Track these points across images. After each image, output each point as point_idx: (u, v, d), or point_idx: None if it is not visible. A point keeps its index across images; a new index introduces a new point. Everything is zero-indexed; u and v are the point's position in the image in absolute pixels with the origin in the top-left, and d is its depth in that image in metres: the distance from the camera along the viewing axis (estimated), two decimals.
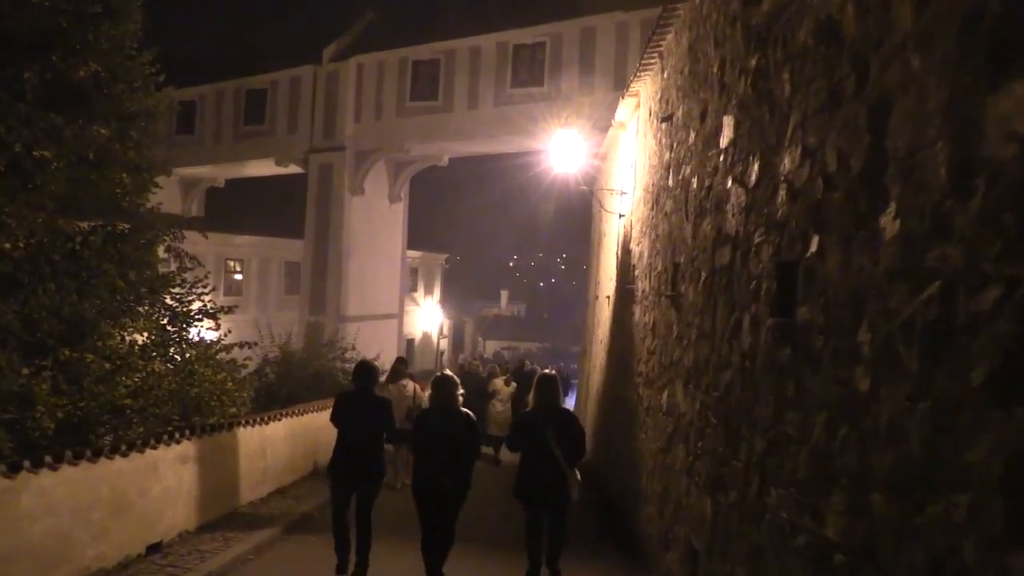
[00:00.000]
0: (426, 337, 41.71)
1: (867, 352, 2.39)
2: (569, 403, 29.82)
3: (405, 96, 25.86)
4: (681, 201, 5.96)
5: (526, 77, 23.73)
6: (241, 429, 8.28)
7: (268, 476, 8.30)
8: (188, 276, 13.00)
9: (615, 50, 21.55)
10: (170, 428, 7.23)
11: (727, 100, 4.57)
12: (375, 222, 27.95)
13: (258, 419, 8.78)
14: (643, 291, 7.89)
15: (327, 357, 17.91)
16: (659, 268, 6.86)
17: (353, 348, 18.07)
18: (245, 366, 13.14)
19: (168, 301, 12.45)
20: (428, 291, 42.58)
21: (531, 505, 6.09)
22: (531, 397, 6.37)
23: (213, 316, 12.70)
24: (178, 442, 6.80)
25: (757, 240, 3.71)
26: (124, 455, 6.02)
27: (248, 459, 8.37)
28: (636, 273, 8.61)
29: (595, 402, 13.40)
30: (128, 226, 12.07)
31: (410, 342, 38.56)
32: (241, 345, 12.86)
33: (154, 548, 6.19)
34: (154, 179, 13.59)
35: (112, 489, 5.84)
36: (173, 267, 12.89)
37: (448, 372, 6.59)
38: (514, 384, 13.97)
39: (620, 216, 10.33)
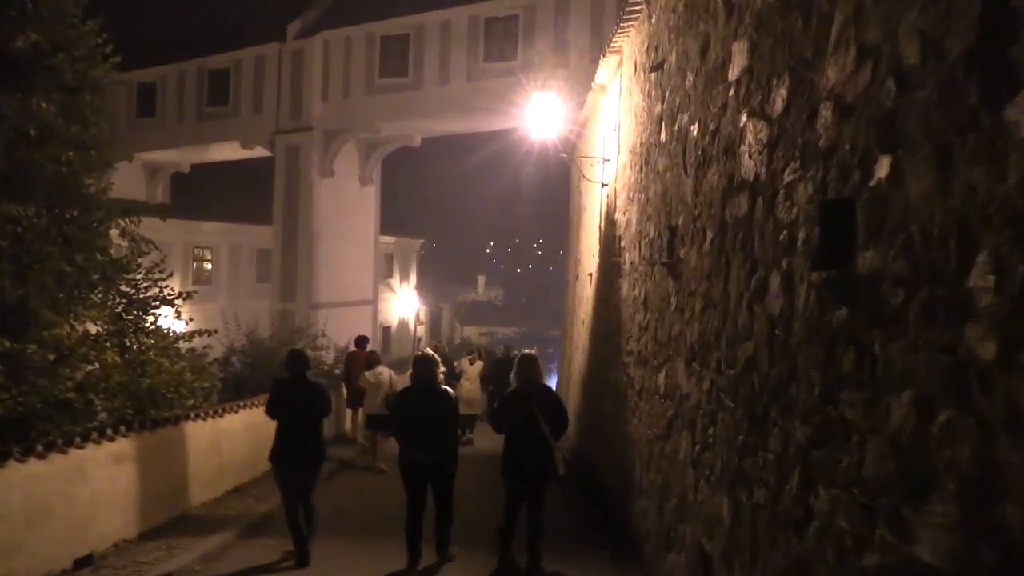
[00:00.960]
0: (403, 324, 40.92)
1: (988, 303, 1.68)
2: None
3: (374, 73, 24.90)
4: (677, 155, 5.23)
5: (499, 51, 22.89)
6: (190, 423, 7.50)
7: (224, 473, 7.53)
8: (145, 261, 12.20)
9: (591, 20, 20.76)
10: (100, 425, 6.42)
11: (737, 23, 3.83)
12: (346, 205, 27.01)
13: (211, 412, 7.99)
14: (631, 263, 7.18)
15: (295, 344, 17.03)
16: (651, 235, 6.15)
17: (323, 335, 17.27)
18: (207, 356, 12.35)
19: (123, 288, 11.68)
20: (404, 277, 41.74)
21: (518, 481, 6.22)
22: (513, 376, 6.50)
23: (171, 303, 11.88)
24: (111, 440, 6.00)
25: (788, 179, 2.99)
26: (41, 457, 5.22)
27: (200, 456, 7.59)
28: (622, 245, 7.90)
29: (578, 385, 12.73)
30: (75, 208, 11.25)
31: (386, 329, 37.77)
32: (201, 333, 12.07)
33: (83, 561, 5.40)
34: (105, 158, 12.71)
35: (27, 496, 5.04)
36: (127, 252, 12.07)
37: (429, 351, 6.61)
38: (479, 363, 14.41)
39: (602, 186, 9.61)
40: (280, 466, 6.23)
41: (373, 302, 29.64)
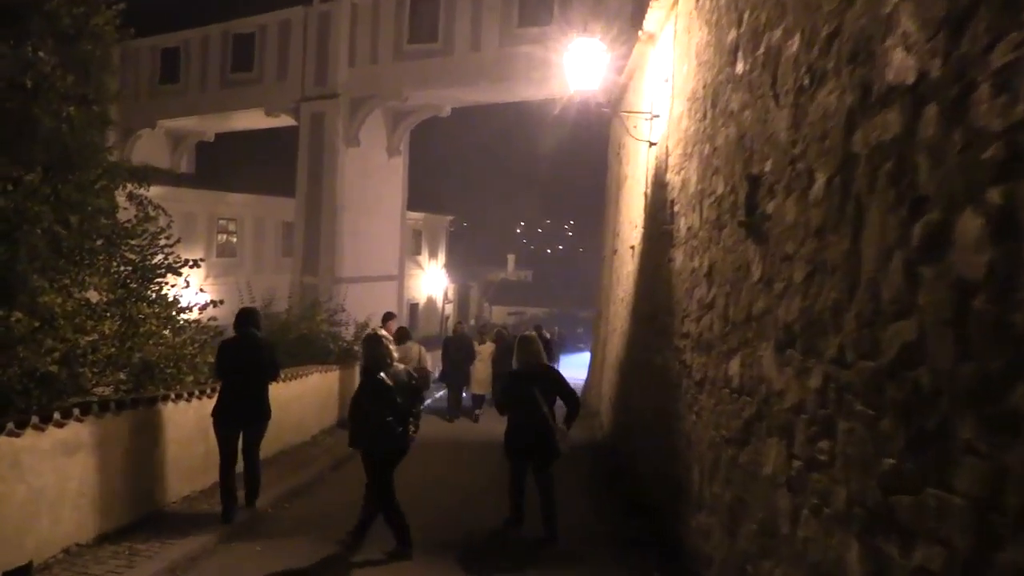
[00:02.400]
0: (430, 302, 40.04)
1: None
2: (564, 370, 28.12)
3: (403, 38, 23.78)
4: (762, 86, 4.09)
5: (533, 15, 21.61)
6: (170, 404, 6.52)
7: (212, 463, 6.56)
8: (154, 228, 11.36)
9: None
10: (44, 406, 5.47)
11: None
12: (372, 176, 26.01)
13: (196, 391, 7.03)
14: (688, 229, 6.05)
15: (314, 320, 16.12)
16: (719, 191, 5.01)
17: (343, 310, 16.33)
18: (217, 328, 11.49)
19: (128, 255, 10.84)
20: (432, 254, 40.79)
21: (519, 460, 6.38)
22: (514, 357, 6.61)
23: (177, 272, 11.01)
24: (59, 425, 5.02)
25: (1000, 63, 1.87)
26: None
27: (180, 443, 6.63)
28: (675, 209, 6.76)
29: (614, 370, 11.62)
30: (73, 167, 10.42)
31: (414, 306, 36.91)
32: (206, 305, 11.20)
33: (19, 573, 4.45)
34: (108, 114, 11.83)
35: None
36: (133, 217, 11.22)
37: (380, 331, 6.41)
38: (491, 344, 14.78)
39: (650, 145, 8.45)
40: (221, 422, 6.40)
41: (399, 278, 28.70)
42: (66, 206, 10.00)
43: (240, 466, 6.57)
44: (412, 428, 5.90)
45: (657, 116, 8.22)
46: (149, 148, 29.19)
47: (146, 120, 29.26)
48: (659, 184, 7.91)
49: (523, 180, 69.79)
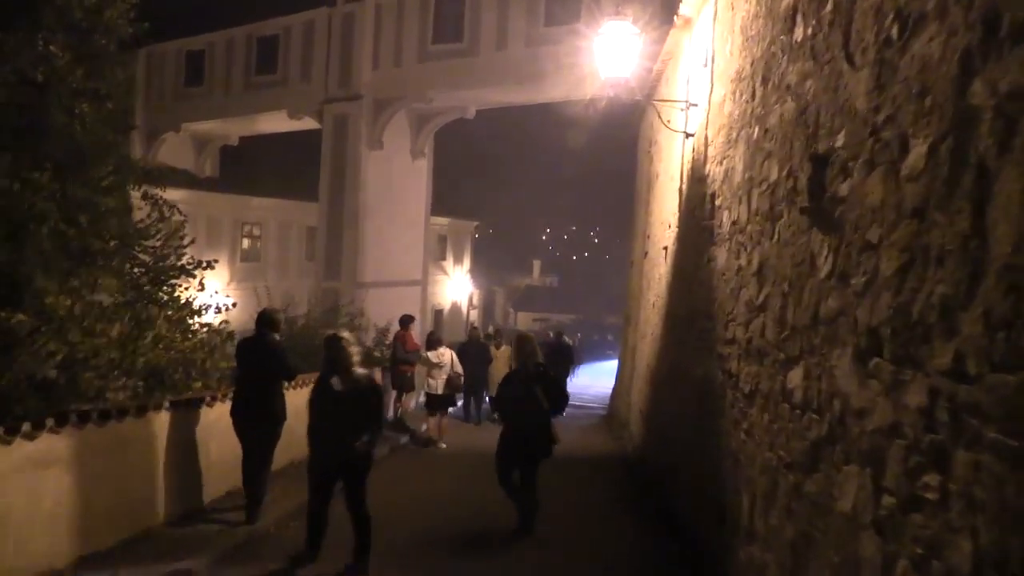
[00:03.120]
0: (455, 307, 39.59)
1: None
2: (580, 377, 27.31)
3: (427, 39, 23.32)
4: (832, 47, 3.48)
5: (561, 13, 21.03)
6: (163, 414, 6.01)
7: (213, 477, 6.06)
8: (163, 227, 11.04)
9: None
10: (39, 415, 4.96)
11: None
12: (395, 179, 25.55)
13: (195, 400, 6.53)
14: (733, 223, 5.43)
15: (334, 324, 15.64)
16: (772, 177, 4.39)
17: (362, 315, 15.86)
18: (229, 332, 11.07)
19: (142, 256, 10.50)
20: (457, 260, 40.33)
21: (510, 459, 6.54)
22: (512, 357, 6.93)
23: (191, 273, 10.64)
24: (29, 438, 4.51)
25: None
26: None
27: (176, 456, 6.12)
28: (717, 203, 6.14)
29: (645, 380, 10.98)
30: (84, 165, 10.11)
31: (438, 312, 36.49)
32: (219, 308, 10.80)
33: None
34: (122, 112, 11.49)
35: None
36: (147, 217, 10.91)
37: (343, 333, 6.05)
38: (506, 347, 14.76)
39: (687, 136, 7.84)
40: (236, 419, 6.52)
41: (423, 283, 28.20)
42: (74, 205, 9.63)
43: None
44: (367, 440, 5.41)
45: (695, 105, 7.62)
46: (174, 152, 29.02)
47: (171, 123, 29.13)
48: (696, 178, 7.29)
49: (550, 184, 69.10)
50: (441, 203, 34.26)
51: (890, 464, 2.53)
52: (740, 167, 5.33)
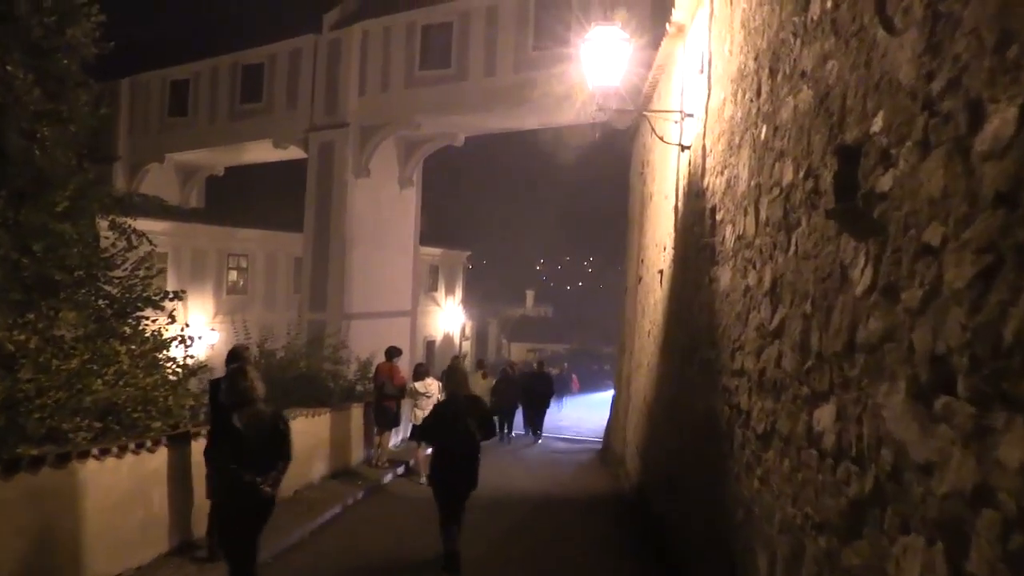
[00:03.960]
0: (447, 339, 38.83)
1: None
2: (564, 408, 26.56)
3: (414, 65, 22.91)
4: (862, 14, 2.86)
5: (550, 37, 20.63)
6: (90, 463, 5.28)
7: (155, 531, 5.33)
8: (131, 256, 10.46)
9: None
10: None
11: None
12: (383, 208, 25.00)
13: (131, 446, 5.80)
14: (738, 237, 4.79)
15: (315, 357, 14.93)
16: (788, 179, 3.76)
17: (345, 346, 15.15)
18: (200, 366, 10.43)
19: (107, 288, 9.89)
20: (449, 291, 39.68)
21: (447, 491, 6.36)
22: (442, 387, 6.77)
23: (158, 305, 10.01)
24: None
25: None
26: None
27: (109, 510, 5.39)
28: (718, 217, 5.51)
29: (642, 413, 10.28)
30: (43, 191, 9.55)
31: (431, 344, 35.74)
32: (182, 340, 10.11)
33: None
34: (84, 136, 10.91)
35: None
36: (115, 246, 10.33)
37: (248, 367, 5.59)
38: (490, 378, 15.90)
39: (682, 149, 7.24)
40: (208, 459, 6.11)
41: (412, 314, 27.53)
42: (28, 232, 9.02)
43: None
44: (267, 482, 5.00)
45: (690, 115, 7.03)
46: (158, 183, 28.43)
47: (154, 154, 28.64)
48: (694, 193, 6.68)
49: (542, 214, 68.72)
50: (432, 233, 33.69)
51: (977, 542, 1.85)
52: (745, 174, 4.71)
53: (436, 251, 36.52)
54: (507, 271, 66.40)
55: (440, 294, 38.28)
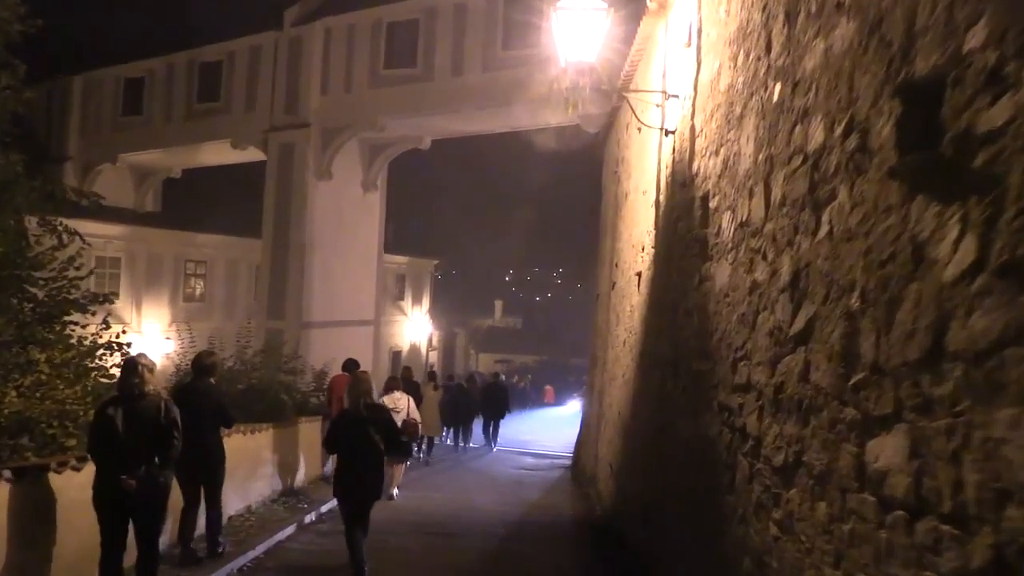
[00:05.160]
0: (414, 349, 37.78)
1: None
2: (528, 421, 25.61)
3: (379, 63, 22.03)
4: None
5: (520, 37, 19.88)
6: None
7: None
8: (59, 255, 9.55)
9: None
10: None
11: None
12: (346, 212, 24.00)
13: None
14: (742, 224, 3.98)
15: (267, 367, 13.89)
16: (816, 142, 2.95)
17: (298, 356, 14.16)
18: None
19: (32, 290, 8.93)
20: (416, 300, 38.65)
21: (350, 502, 6.41)
22: (346, 395, 6.75)
23: (84, 308, 9.06)
24: None
25: None
26: None
27: None
28: (713, 204, 4.71)
29: (615, 429, 9.45)
30: None
31: (397, 354, 34.68)
32: (109, 346, 9.16)
33: None
34: (25, 128, 9.92)
35: None
36: (39, 243, 9.40)
37: (141, 356, 5.63)
38: (441, 389, 16.20)
39: (666, 134, 6.45)
40: (177, 465, 5.87)
41: (375, 323, 26.50)
42: None
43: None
44: (131, 477, 4.97)
45: (675, 96, 6.24)
46: (111, 184, 27.10)
47: (107, 154, 27.38)
48: (679, 182, 5.88)
49: (511, 223, 67.96)
50: (399, 240, 32.68)
51: None
52: (749, 149, 3.91)
53: (403, 259, 35.55)
54: (476, 281, 65.44)
55: (407, 303, 37.29)
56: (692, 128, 5.45)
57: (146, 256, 27.43)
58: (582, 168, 22.51)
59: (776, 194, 3.42)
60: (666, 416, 5.82)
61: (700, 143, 5.21)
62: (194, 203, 31.21)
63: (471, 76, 20.61)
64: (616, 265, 10.96)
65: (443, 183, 51.06)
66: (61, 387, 7.47)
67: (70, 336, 8.58)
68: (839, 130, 2.71)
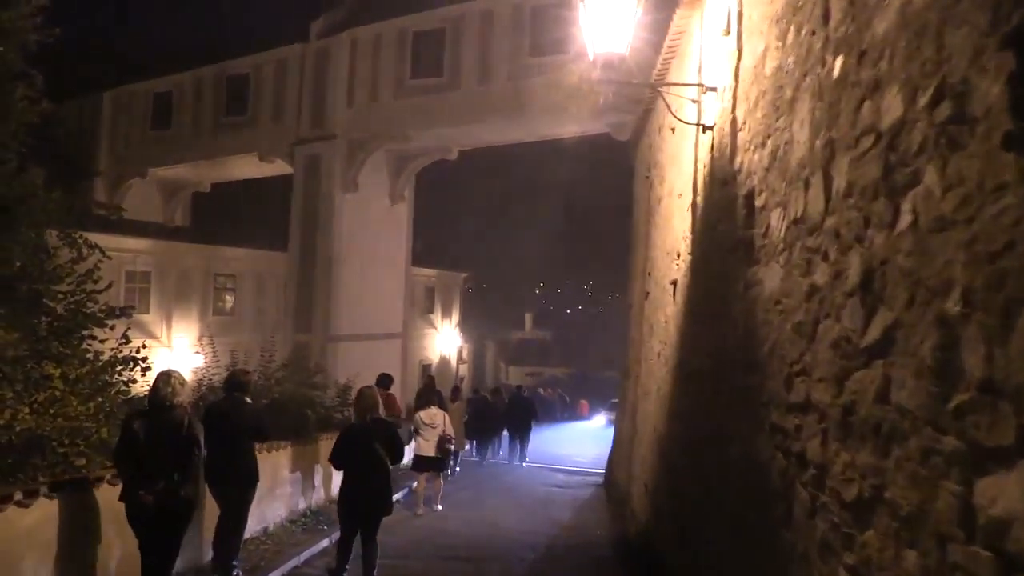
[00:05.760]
0: (444, 362, 37.47)
1: None
2: (550, 436, 25.15)
3: (405, 74, 21.81)
4: None
5: (546, 43, 19.53)
6: None
7: None
8: (78, 269, 9.38)
9: None
10: None
11: None
12: (373, 224, 23.76)
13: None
14: (795, 221, 3.51)
15: (291, 382, 13.59)
16: (888, 120, 2.49)
17: (322, 369, 13.86)
18: (133, 397, 9.13)
19: (51, 304, 8.73)
20: (446, 313, 38.36)
21: (352, 515, 6.52)
22: (352, 410, 7.20)
23: (101, 323, 8.85)
24: None
25: None
26: None
27: None
28: (759, 202, 4.24)
29: (650, 446, 8.95)
30: None
31: (426, 367, 34.36)
32: (126, 361, 8.95)
33: None
34: (16, 125, 9.85)
35: None
36: (58, 256, 9.24)
37: (172, 370, 5.65)
38: (461, 402, 15.99)
39: (704, 130, 6.00)
40: (210, 481, 6.44)
41: (403, 336, 26.19)
42: None
43: None
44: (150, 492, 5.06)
45: (712, 89, 5.80)
46: (141, 199, 27.26)
47: (137, 169, 27.49)
48: (719, 181, 5.42)
49: (541, 236, 67.49)
50: (428, 252, 32.45)
51: None
52: (804, 135, 3.45)
53: (432, 272, 35.32)
54: (505, 293, 65.03)
55: (437, 316, 36.99)
56: (733, 121, 5.00)
57: (176, 270, 27.44)
58: (612, 179, 22.09)
59: (839, 183, 2.96)
60: (705, 433, 5.34)
61: (742, 137, 4.75)
62: (223, 217, 31.26)
63: (497, 84, 20.31)
64: (649, 274, 10.48)
65: (471, 194, 50.76)
66: (75, 403, 7.22)
67: (87, 351, 8.36)
68: (924, 100, 2.25)
